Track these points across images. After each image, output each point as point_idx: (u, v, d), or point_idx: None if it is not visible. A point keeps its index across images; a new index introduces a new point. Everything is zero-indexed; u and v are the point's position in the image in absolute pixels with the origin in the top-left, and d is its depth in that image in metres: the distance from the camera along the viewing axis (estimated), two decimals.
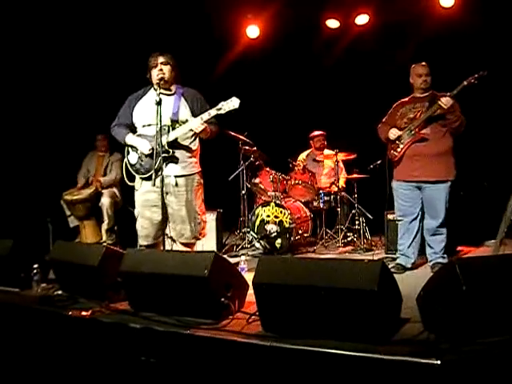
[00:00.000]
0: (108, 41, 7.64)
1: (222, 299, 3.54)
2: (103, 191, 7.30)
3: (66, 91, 7.77)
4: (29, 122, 7.56)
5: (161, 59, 4.70)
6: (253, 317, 3.46)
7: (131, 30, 7.59)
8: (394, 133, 5.27)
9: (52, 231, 6.67)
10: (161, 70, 4.68)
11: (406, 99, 5.44)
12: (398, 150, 5.27)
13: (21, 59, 7.32)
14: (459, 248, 6.17)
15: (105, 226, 7.25)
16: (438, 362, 2.58)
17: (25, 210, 7.38)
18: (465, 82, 4.95)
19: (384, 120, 5.55)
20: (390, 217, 6.30)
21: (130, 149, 4.84)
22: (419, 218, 5.30)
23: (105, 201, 7.21)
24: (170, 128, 4.62)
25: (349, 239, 7.20)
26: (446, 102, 4.94)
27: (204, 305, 3.56)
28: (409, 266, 5.30)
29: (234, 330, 3.33)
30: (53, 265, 4.74)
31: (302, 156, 8.20)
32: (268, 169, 7.32)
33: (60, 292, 4.54)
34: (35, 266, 4.77)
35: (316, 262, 3.40)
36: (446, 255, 5.23)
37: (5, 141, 7.38)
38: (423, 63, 5.29)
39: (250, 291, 3.82)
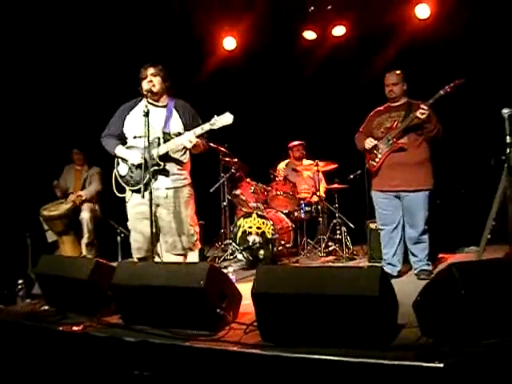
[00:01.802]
0: (86, 55, 7.59)
1: (218, 310, 3.52)
2: (83, 205, 7.23)
3: (42, 105, 7.68)
4: (5, 137, 7.46)
5: (150, 70, 4.68)
6: (250, 327, 3.45)
7: (110, 45, 7.56)
8: (369, 142, 5.30)
9: (31, 246, 6.58)
10: (150, 81, 4.66)
11: (382, 108, 5.48)
12: (377, 160, 5.31)
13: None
14: (440, 255, 6.22)
15: (85, 241, 7.17)
16: (441, 365, 2.60)
17: (2, 225, 7.27)
18: (441, 91, 5.00)
19: (360, 129, 5.59)
20: (372, 226, 6.33)
21: (119, 160, 4.79)
22: (400, 226, 5.32)
23: (85, 215, 7.14)
24: (162, 140, 4.59)
25: (331, 249, 7.24)
26: (422, 111, 4.97)
27: (200, 316, 3.54)
28: (395, 274, 5.31)
29: (232, 340, 3.31)
30: (39, 279, 4.65)
31: (282, 166, 8.22)
32: (249, 180, 7.32)
33: (47, 307, 4.48)
34: (20, 281, 4.70)
35: (315, 270, 3.42)
36: (430, 262, 5.27)
37: None
38: (392, 71, 5.34)
39: (243, 302, 3.84)
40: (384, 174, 5.30)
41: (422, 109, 4.97)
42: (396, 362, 2.72)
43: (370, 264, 6.17)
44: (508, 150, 4.90)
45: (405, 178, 5.16)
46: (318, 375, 2.91)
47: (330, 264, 6.63)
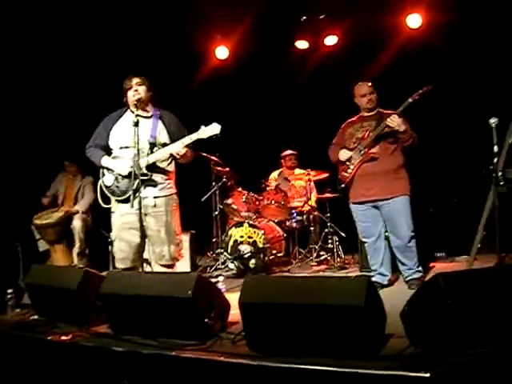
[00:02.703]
0: (76, 66, 7.59)
1: (206, 320, 3.53)
2: (74, 215, 7.21)
3: (35, 114, 7.68)
4: None
5: (135, 80, 4.70)
6: (238, 337, 3.46)
7: (99, 56, 7.56)
8: (344, 154, 5.32)
9: (22, 255, 6.55)
10: (136, 90, 4.67)
11: (354, 119, 5.49)
12: (349, 171, 5.31)
13: None
14: (432, 264, 6.23)
15: (76, 250, 7.14)
16: (428, 375, 2.61)
17: None
18: (410, 99, 5.01)
19: (333, 142, 5.60)
20: None
21: (105, 171, 4.79)
22: (383, 236, 5.32)
23: (76, 224, 7.12)
24: (149, 151, 4.60)
25: (322, 258, 7.24)
26: (393, 120, 4.98)
27: (188, 326, 3.55)
28: (385, 282, 5.31)
29: (220, 350, 3.31)
30: (29, 289, 4.65)
31: (274, 175, 8.23)
32: (240, 189, 7.32)
33: (36, 317, 4.47)
34: (9, 290, 4.69)
35: (302, 280, 3.43)
36: (420, 269, 5.23)
37: None
38: (367, 83, 5.37)
39: (232, 311, 3.85)
40: (358, 185, 5.30)
41: (392, 117, 4.99)
42: (383, 372, 2.73)
43: (360, 274, 6.18)
44: (495, 160, 4.94)
45: (379, 187, 5.15)
46: None
47: (321, 273, 6.63)
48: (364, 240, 5.47)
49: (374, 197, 5.19)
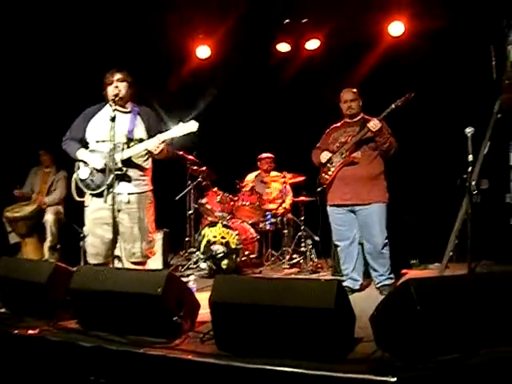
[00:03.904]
0: (55, 57, 7.53)
1: (175, 318, 3.51)
2: (47, 208, 7.15)
3: (10, 105, 7.59)
4: None
5: (117, 76, 4.66)
6: (206, 336, 3.44)
7: (81, 47, 7.50)
8: (324, 156, 5.35)
9: None
10: (116, 86, 4.64)
11: (338, 124, 5.54)
12: (330, 173, 5.35)
13: None
14: (404, 271, 6.26)
15: (48, 244, 7.08)
16: (394, 380, 2.62)
17: None
18: (392, 105, 5.08)
19: (318, 145, 5.63)
20: None
21: (80, 164, 4.74)
22: (357, 240, 5.35)
23: (49, 217, 7.06)
24: (125, 146, 4.57)
25: (295, 261, 7.25)
26: (374, 124, 5.03)
27: (157, 323, 3.52)
28: (356, 287, 5.34)
29: (188, 349, 3.30)
30: None
31: (251, 177, 8.22)
32: (216, 189, 7.31)
33: (3, 310, 4.41)
34: None
35: (272, 282, 3.43)
36: (391, 275, 5.27)
37: None
38: (352, 89, 5.41)
39: (201, 310, 3.83)
40: (337, 188, 5.34)
41: (374, 121, 5.04)
42: (350, 375, 2.74)
43: (332, 278, 6.19)
44: (469, 169, 4.99)
45: (357, 192, 5.19)
46: None
47: (293, 276, 6.64)
48: (337, 243, 5.49)
49: (351, 201, 5.23)
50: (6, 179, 7.38)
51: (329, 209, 5.46)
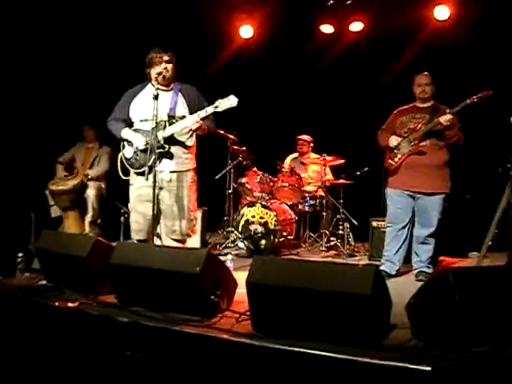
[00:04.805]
0: (98, 35, 7.57)
1: (212, 297, 3.54)
2: (89, 183, 7.24)
3: (55, 81, 7.67)
4: (15, 110, 7.45)
5: (166, 57, 4.69)
6: (243, 316, 3.46)
7: (123, 26, 7.53)
8: (394, 140, 5.29)
9: (34, 220, 6.59)
10: (165, 68, 4.68)
11: (407, 107, 5.46)
12: (396, 159, 5.30)
13: (6, 48, 7.21)
14: (441, 258, 6.20)
15: (88, 219, 7.17)
16: (429, 369, 2.61)
17: (7, 198, 7.29)
18: (468, 101, 4.98)
19: (384, 127, 5.55)
20: (375, 224, 6.36)
21: (125, 143, 4.81)
22: (408, 226, 5.33)
23: (90, 193, 7.15)
24: (167, 123, 4.59)
25: (332, 244, 7.22)
26: (446, 118, 4.98)
27: (194, 301, 3.56)
28: (393, 272, 5.32)
29: (223, 328, 3.33)
30: (38, 254, 4.68)
31: (290, 158, 8.23)
32: (255, 169, 7.32)
33: (44, 282, 4.50)
34: (20, 254, 4.72)
35: (310, 265, 3.43)
36: (431, 265, 5.26)
37: None
38: (425, 73, 5.31)
39: (239, 290, 3.85)
40: (402, 174, 5.31)
41: (447, 115, 4.98)
42: (383, 362, 2.73)
43: (368, 262, 6.18)
44: None
45: (422, 180, 5.18)
46: (306, 369, 2.92)
47: (330, 259, 6.64)
48: (389, 224, 5.46)
49: (415, 188, 5.22)
50: (50, 154, 7.49)
51: (389, 190, 5.44)
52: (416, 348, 2.93)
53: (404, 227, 5.32)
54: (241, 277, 3.78)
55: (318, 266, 3.34)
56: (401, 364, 2.68)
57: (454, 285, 2.88)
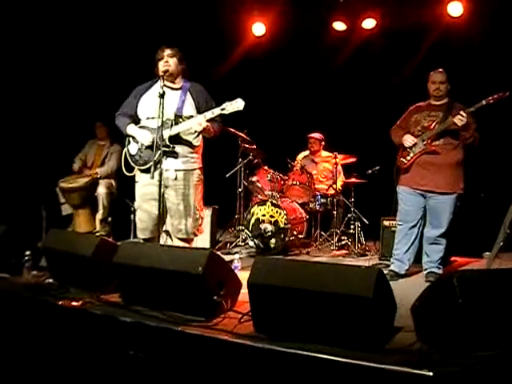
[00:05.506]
0: (111, 32, 7.59)
1: (215, 297, 3.52)
2: (100, 181, 7.26)
3: (66, 78, 7.70)
4: (26, 108, 7.49)
5: (167, 52, 4.67)
6: (245, 317, 3.44)
7: (136, 23, 7.55)
8: (409, 140, 5.21)
9: (46, 218, 6.61)
10: (166, 62, 4.65)
11: (422, 104, 5.39)
12: (408, 158, 5.24)
13: (21, 45, 7.24)
14: (453, 258, 6.13)
15: (99, 216, 7.19)
16: (431, 374, 2.57)
17: (19, 195, 7.32)
18: (483, 101, 4.89)
19: (398, 123, 5.49)
20: (386, 223, 6.30)
21: (130, 139, 4.79)
22: (419, 225, 5.27)
23: (101, 191, 7.16)
24: (173, 122, 4.57)
25: (343, 243, 7.18)
26: (460, 118, 4.88)
27: (196, 302, 3.54)
28: (402, 272, 5.27)
29: (225, 328, 3.30)
30: (45, 253, 4.70)
31: (301, 156, 8.19)
32: (266, 168, 7.30)
33: (51, 280, 4.52)
34: (27, 252, 4.73)
35: (312, 266, 3.38)
36: (441, 266, 5.21)
37: (0, 126, 7.31)
38: (440, 70, 5.23)
39: (243, 290, 3.81)
40: (414, 172, 5.24)
41: (461, 115, 4.88)
42: (385, 366, 2.68)
43: (379, 262, 6.16)
44: None
45: (434, 180, 5.11)
46: (307, 372, 2.89)
47: (340, 258, 6.61)
48: (400, 223, 5.40)
49: (427, 187, 5.15)
50: (62, 151, 7.51)
51: (400, 188, 5.38)
52: (419, 352, 2.89)
53: (414, 226, 5.26)
54: (247, 276, 3.76)
55: (320, 267, 3.30)
56: (402, 368, 2.64)
57: (458, 288, 2.82)
